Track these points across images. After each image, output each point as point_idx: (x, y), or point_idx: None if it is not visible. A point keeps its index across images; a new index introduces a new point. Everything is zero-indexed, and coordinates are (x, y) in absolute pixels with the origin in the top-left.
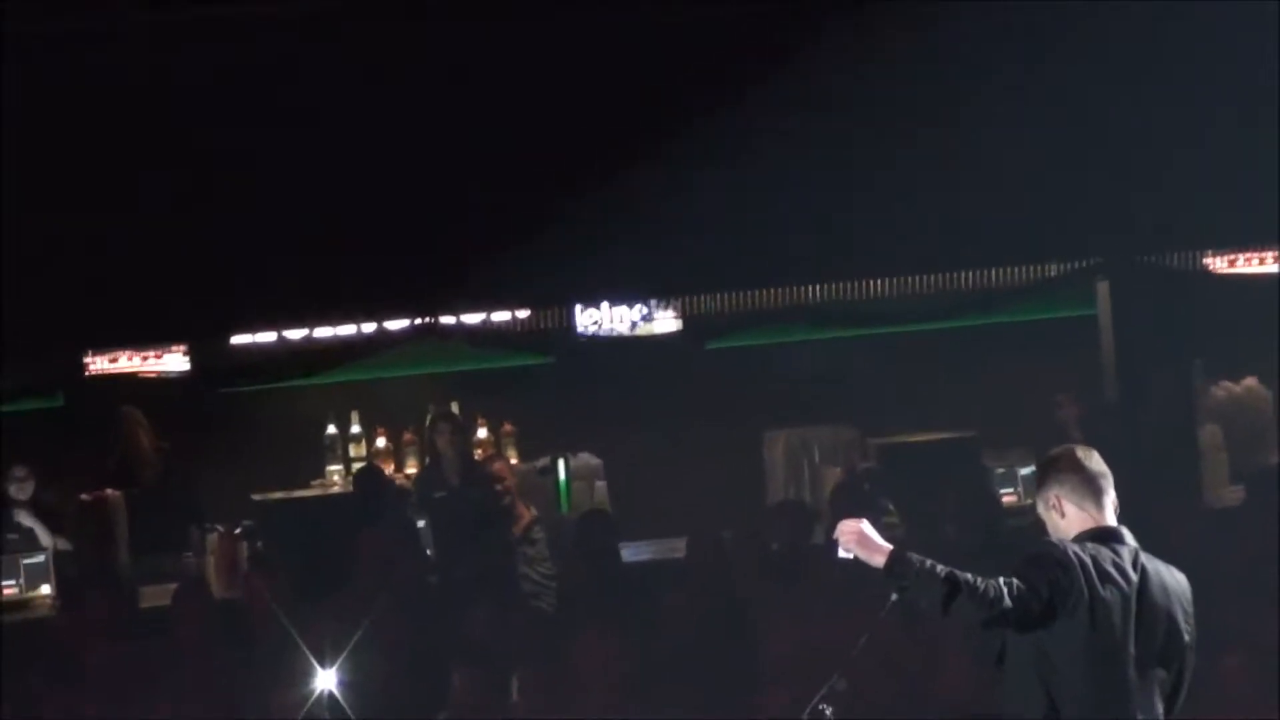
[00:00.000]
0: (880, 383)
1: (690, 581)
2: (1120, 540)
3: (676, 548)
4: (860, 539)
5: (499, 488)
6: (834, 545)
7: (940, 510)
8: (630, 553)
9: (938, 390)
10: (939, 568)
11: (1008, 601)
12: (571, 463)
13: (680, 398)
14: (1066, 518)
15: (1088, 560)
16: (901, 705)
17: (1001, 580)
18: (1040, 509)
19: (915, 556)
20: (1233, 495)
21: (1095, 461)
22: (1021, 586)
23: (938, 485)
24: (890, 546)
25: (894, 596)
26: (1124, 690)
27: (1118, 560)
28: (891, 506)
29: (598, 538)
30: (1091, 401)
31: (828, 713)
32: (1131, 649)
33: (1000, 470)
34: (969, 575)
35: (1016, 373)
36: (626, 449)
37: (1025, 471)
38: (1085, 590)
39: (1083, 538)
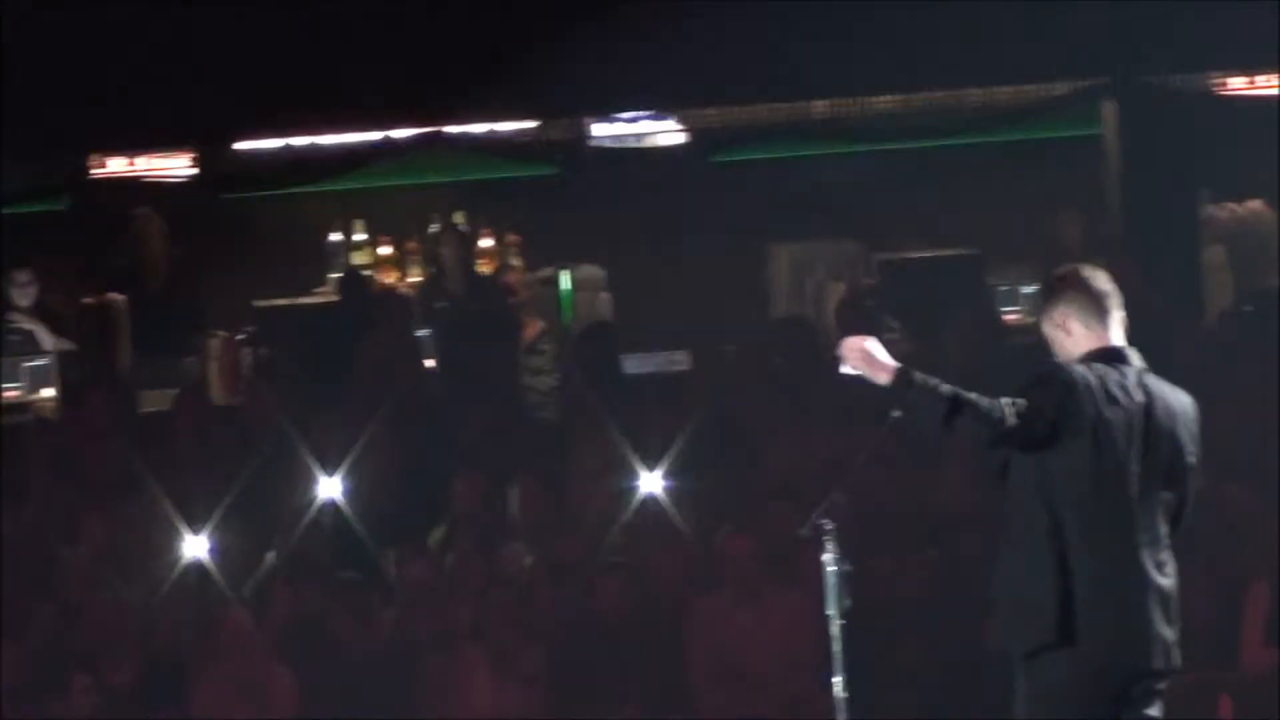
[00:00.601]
0: (885, 198)
1: (692, 395)
2: (1126, 361)
3: (679, 361)
4: (865, 357)
5: (508, 299)
6: (837, 361)
7: (943, 327)
8: (632, 365)
9: (942, 207)
10: (943, 386)
11: (1012, 421)
12: (575, 274)
13: (685, 210)
14: (1073, 337)
15: (1093, 381)
16: (902, 520)
17: (1006, 400)
18: (1046, 328)
19: (920, 375)
20: (1237, 316)
21: (1102, 280)
22: (1026, 407)
23: (941, 302)
24: (895, 364)
25: (895, 414)
26: (1126, 510)
27: (1123, 381)
28: (895, 323)
29: (600, 350)
30: (1095, 221)
31: (827, 526)
32: (1135, 469)
33: (1004, 288)
34: (973, 394)
35: (1021, 190)
36: (631, 261)
37: (1029, 290)
38: (1090, 411)
39: (1089, 358)
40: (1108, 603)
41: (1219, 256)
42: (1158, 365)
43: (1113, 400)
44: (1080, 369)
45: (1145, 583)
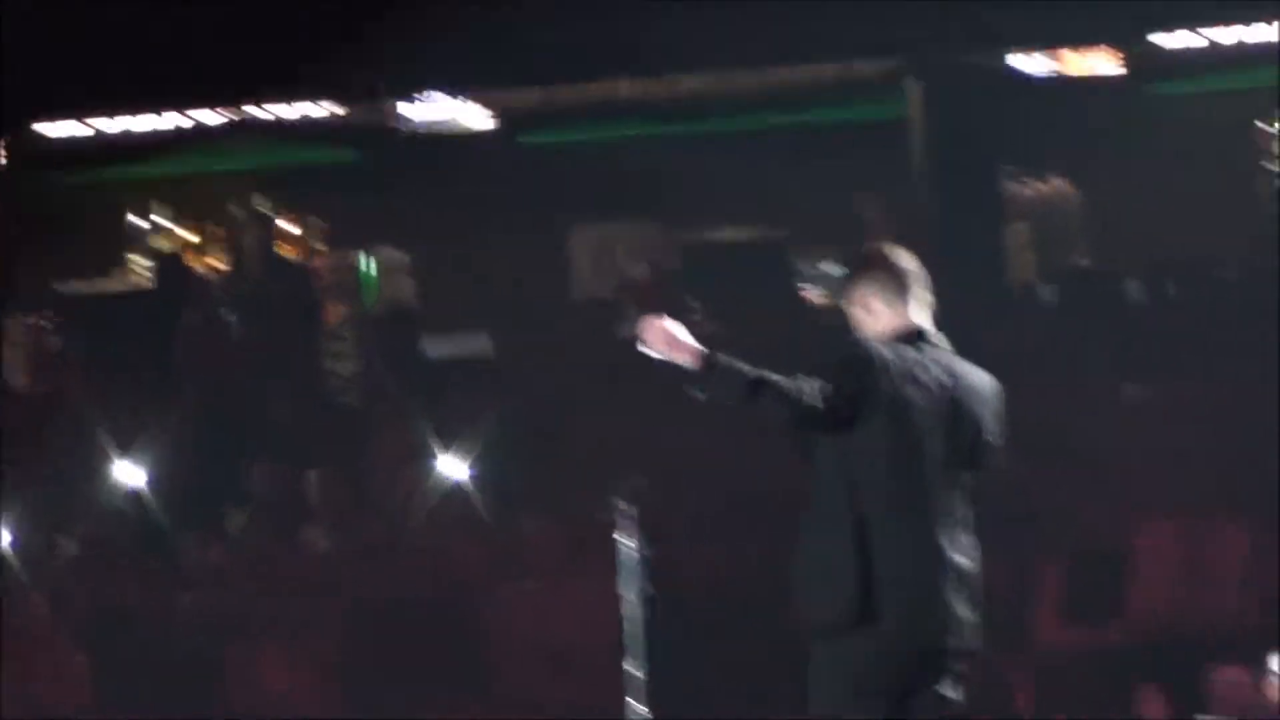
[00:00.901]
0: (690, 180)
1: (495, 379)
2: (928, 341)
3: (482, 344)
4: (666, 338)
5: (311, 284)
6: (638, 343)
7: (747, 308)
8: (435, 348)
9: (747, 188)
10: (745, 368)
11: (813, 403)
12: (378, 258)
13: (490, 193)
14: (875, 316)
15: (894, 360)
16: (708, 500)
17: (807, 381)
18: (849, 307)
19: (722, 357)
20: (1042, 293)
21: (906, 260)
22: (827, 388)
23: (745, 283)
24: (698, 347)
25: (700, 395)
26: (927, 490)
27: (924, 361)
28: (698, 304)
29: (401, 334)
30: (900, 201)
31: (624, 507)
32: (936, 450)
33: (808, 269)
34: (775, 376)
35: (825, 172)
36: (434, 244)
37: (832, 271)
38: (890, 392)
39: (891, 337)
40: (908, 583)
41: (1023, 235)
42: (961, 346)
43: (914, 380)
44: (881, 348)
45: (945, 563)
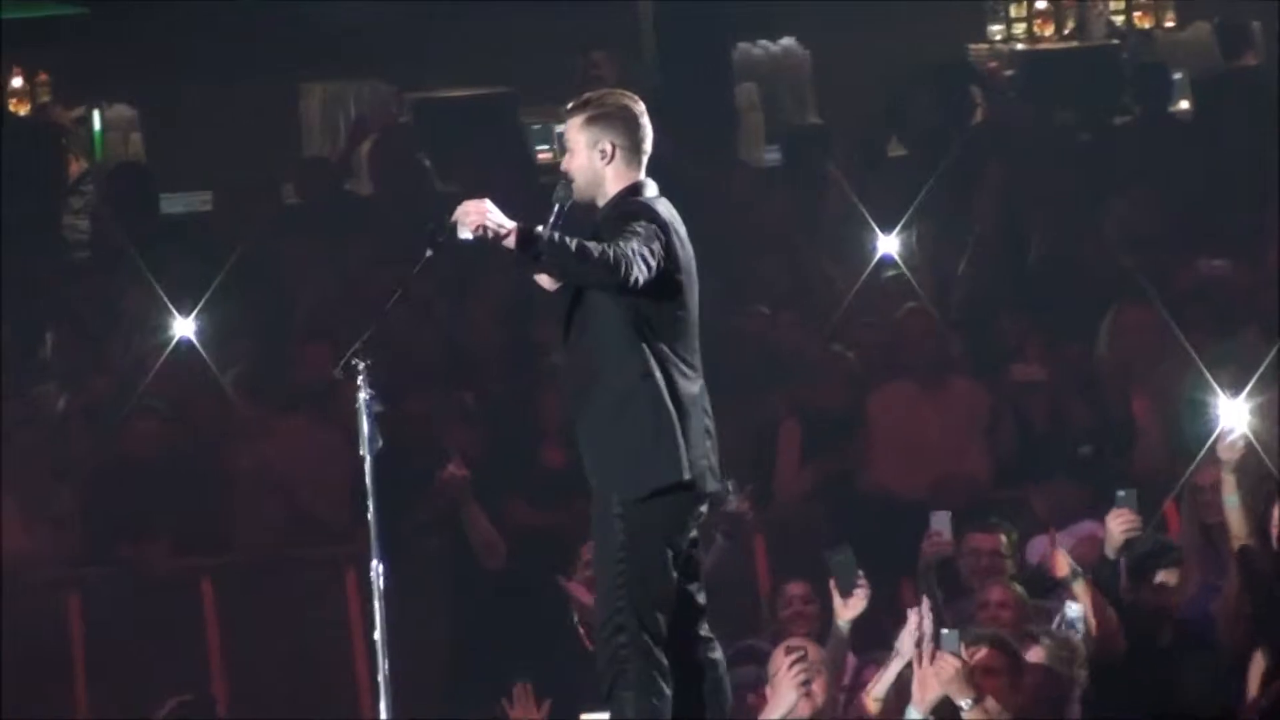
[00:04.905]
0: (416, 37)
1: (221, 235)
2: (659, 192)
3: (210, 200)
4: (486, 218)
5: (42, 140)
6: (454, 229)
7: (479, 166)
8: (165, 206)
9: (475, 45)
10: (566, 239)
11: (630, 266)
12: (107, 113)
13: (219, 48)
14: (613, 167)
15: (672, 218)
16: (435, 360)
17: (616, 246)
18: (582, 153)
19: (542, 229)
20: (770, 155)
21: (643, 109)
22: (638, 251)
23: (476, 141)
24: (514, 224)
25: (428, 253)
26: (695, 347)
27: (675, 212)
28: (428, 163)
29: (133, 190)
30: (630, 61)
31: (360, 366)
32: (697, 307)
33: (536, 127)
34: (591, 244)
35: (556, 29)
36: (162, 100)
37: (560, 128)
38: (679, 250)
39: (628, 192)
40: (697, 442)
41: (751, 94)
42: (691, 202)
43: (680, 236)
44: (663, 206)
45: (709, 419)
